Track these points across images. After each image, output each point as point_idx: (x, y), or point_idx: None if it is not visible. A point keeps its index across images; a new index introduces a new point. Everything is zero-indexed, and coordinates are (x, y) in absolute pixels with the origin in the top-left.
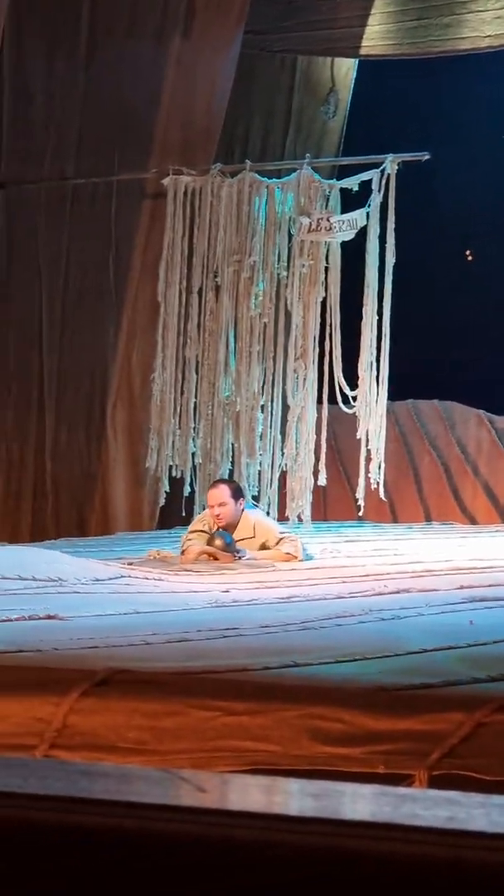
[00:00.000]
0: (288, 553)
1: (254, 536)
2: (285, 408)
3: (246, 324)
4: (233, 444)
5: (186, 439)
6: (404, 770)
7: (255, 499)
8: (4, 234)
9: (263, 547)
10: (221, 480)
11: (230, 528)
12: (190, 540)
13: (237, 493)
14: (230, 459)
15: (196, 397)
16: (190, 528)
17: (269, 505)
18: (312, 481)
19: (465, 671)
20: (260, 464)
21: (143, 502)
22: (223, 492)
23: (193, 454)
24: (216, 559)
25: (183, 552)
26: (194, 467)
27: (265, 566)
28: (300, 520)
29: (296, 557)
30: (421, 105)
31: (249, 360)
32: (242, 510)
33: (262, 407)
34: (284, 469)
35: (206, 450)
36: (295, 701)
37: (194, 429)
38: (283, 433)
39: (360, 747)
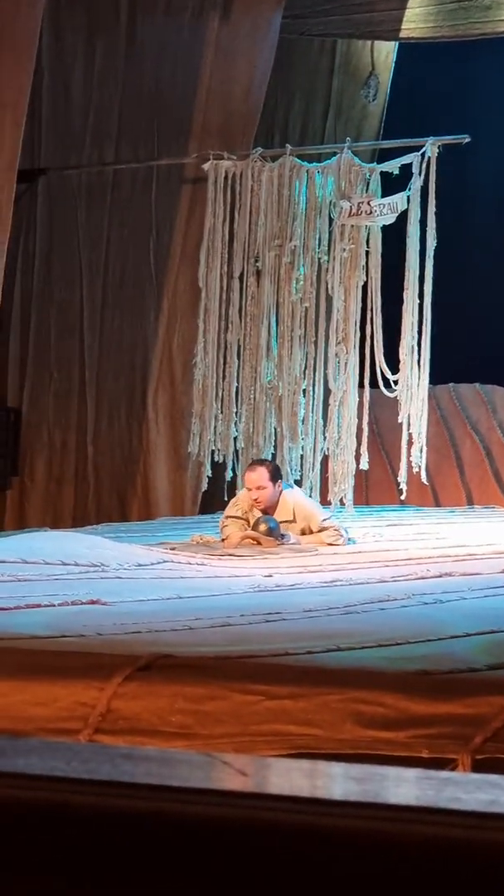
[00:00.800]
0: (331, 545)
1: (293, 521)
2: (327, 392)
3: (287, 308)
4: (275, 429)
5: (228, 424)
6: (448, 754)
7: (298, 483)
8: (45, 220)
9: (304, 532)
10: (259, 462)
11: (269, 511)
12: (226, 526)
13: (276, 475)
14: (272, 444)
15: (238, 382)
16: (225, 512)
17: (311, 489)
18: (354, 465)
19: None
20: (302, 448)
21: (185, 487)
22: (261, 474)
23: (235, 438)
24: (259, 544)
25: (224, 539)
26: (236, 452)
27: (308, 550)
28: (342, 504)
29: (338, 544)
30: (461, 88)
31: (291, 344)
32: (280, 492)
33: (304, 391)
34: (326, 453)
35: (249, 434)
36: (338, 685)
37: (236, 413)
38: (325, 417)
39: (404, 731)
